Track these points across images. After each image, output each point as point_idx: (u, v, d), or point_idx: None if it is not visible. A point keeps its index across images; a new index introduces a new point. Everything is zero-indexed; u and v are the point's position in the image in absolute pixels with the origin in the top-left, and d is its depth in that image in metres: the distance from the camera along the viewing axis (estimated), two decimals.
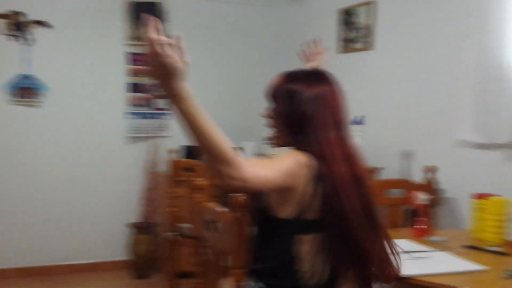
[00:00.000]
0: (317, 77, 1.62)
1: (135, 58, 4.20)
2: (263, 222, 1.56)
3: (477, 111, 2.65)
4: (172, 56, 1.19)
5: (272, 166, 1.42)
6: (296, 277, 1.50)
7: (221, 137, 1.31)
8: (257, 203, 1.58)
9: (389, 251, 1.58)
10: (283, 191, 1.47)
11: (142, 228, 4.08)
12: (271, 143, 1.66)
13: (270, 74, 5.00)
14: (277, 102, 1.61)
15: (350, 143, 1.59)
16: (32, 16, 3.92)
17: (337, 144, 1.54)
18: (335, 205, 1.48)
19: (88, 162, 4.13)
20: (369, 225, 1.53)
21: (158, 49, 1.17)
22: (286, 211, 1.50)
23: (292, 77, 1.61)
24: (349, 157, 1.55)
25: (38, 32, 3.94)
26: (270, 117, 1.63)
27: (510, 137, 2.47)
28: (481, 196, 2.34)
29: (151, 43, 1.16)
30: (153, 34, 1.16)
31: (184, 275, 3.76)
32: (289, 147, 1.59)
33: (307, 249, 1.49)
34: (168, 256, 3.39)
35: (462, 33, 2.79)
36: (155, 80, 1.22)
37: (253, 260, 1.60)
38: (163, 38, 1.18)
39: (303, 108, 1.55)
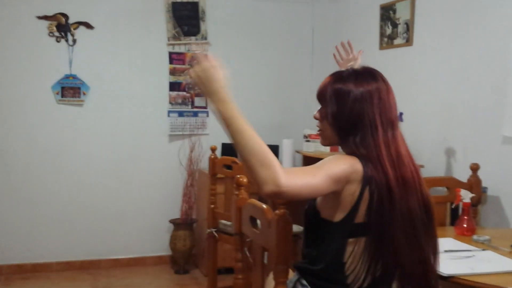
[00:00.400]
0: (365, 75, 1.59)
1: (177, 58, 4.26)
2: (313, 223, 1.56)
3: None
4: (215, 63, 1.23)
5: (315, 173, 1.41)
6: (342, 280, 1.50)
7: (261, 142, 1.33)
8: (309, 205, 1.59)
9: (431, 255, 1.55)
10: (331, 195, 1.47)
11: (182, 224, 4.14)
12: (321, 144, 1.67)
13: (309, 72, 5.05)
14: (325, 103, 1.60)
15: (399, 143, 1.55)
16: (74, 17, 4.03)
17: (384, 145, 1.50)
18: (378, 210, 1.46)
19: (131, 160, 4.22)
20: (415, 230, 1.50)
21: (202, 59, 1.28)
22: (335, 214, 1.50)
23: (340, 77, 1.60)
24: (397, 158, 1.51)
25: (80, 33, 4.05)
26: (319, 118, 1.63)
27: None
28: None
29: (197, 55, 1.29)
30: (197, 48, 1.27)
31: (222, 271, 3.81)
32: (339, 148, 1.60)
33: (354, 252, 1.48)
34: (208, 252, 3.43)
35: (508, 27, 2.71)
36: (199, 85, 1.26)
37: (301, 257, 1.61)
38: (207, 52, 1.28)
39: (350, 108, 1.53)
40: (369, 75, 1.60)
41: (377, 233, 1.47)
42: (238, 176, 1.79)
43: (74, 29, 4.02)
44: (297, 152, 4.20)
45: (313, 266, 1.55)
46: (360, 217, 1.47)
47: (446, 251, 1.93)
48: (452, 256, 1.89)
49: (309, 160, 4.13)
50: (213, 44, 4.33)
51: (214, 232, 3.29)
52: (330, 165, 1.44)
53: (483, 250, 1.98)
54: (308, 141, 4.17)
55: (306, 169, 1.44)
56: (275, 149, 4.25)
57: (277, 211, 1.43)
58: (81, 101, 4.08)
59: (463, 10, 3.12)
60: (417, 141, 3.42)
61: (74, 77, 4.05)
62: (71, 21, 4.02)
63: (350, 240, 1.48)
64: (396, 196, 1.47)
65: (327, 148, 4.04)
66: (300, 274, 1.58)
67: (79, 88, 4.07)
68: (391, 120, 1.55)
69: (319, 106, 1.65)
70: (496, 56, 2.87)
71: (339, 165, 1.45)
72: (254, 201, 1.64)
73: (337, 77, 1.61)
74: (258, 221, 1.62)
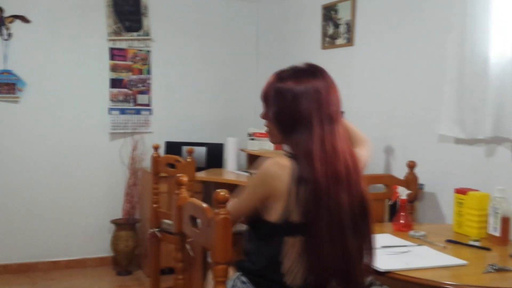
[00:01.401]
0: (304, 73, 1.61)
1: (118, 54, 4.16)
2: (254, 222, 1.58)
3: (459, 106, 2.67)
4: None
5: (240, 198, 1.56)
6: (279, 279, 1.51)
7: None
8: None
9: (359, 252, 1.57)
10: (263, 200, 1.53)
11: (124, 224, 4.05)
12: (270, 142, 1.73)
13: (254, 70, 5.07)
14: (267, 103, 1.62)
15: (336, 138, 1.55)
16: (10, 11, 3.86)
17: (319, 141, 1.52)
18: (311, 208, 1.48)
19: (70, 159, 4.09)
20: (342, 226, 1.52)
21: None
22: (272, 215, 1.52)
23: (280, 76, 1.62)
24: (332, 153, 1.52)
25: (16, 27, 3.88)
26: (264, 118, 1.65)
27: (491, 133, 2.49)
28: (460, 191, 2.37)
29: None
30: None
31: (166, 271, 3.76)
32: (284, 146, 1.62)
33: (290, 252, 1.49)
34: (151, 252, 3.37)
35: (444, 28, 2.81)
36: None
37: (242, 255, 1.61)
38: None
39: (289, 106, 1.55)
40: (309, 72, 1.62)
41: (310, 232, 1.49)
42: (179, 175, 1.76)
43: (9, 22, 3.85)
44: (242, 150, 4.20)
45: (252, 264, 1.55)
46: (295, 216, 1.49)
47: (383, 246, 1.98)
48: (389, 251, 1.94)
49: (253, 158, 4.14)
50: (156, 41, 4.26)
51: (156, 232, 3.24)
52: (251, 183, 1.58)
53: (419, 245, 2.04)
54: (252, 139, 4.18)
55: (236, 198, 1.58)
56: (219, 147, 4.23)
57: (217, 210, 1.42)
58: (17, 98, 3.91)
59: (402, 11, 3.21)
60: None
61: (9, 72, 3.88)
62: (6, 14, 3.85)
63: (287, 239, 1.50)
64: (323, 192, 1.48)
65: (271, 146, 4.06)
66: (240, 271, 1.58)
67: (14, 84, 3.90)
68: (330, 116, 1.56)
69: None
70: (433, 56, 2.97)
71: (250, 198, 1.57)
72: (195, 200, 1.62)
73: (278, 76, 1.63)
74: (199, 220, 1.60)
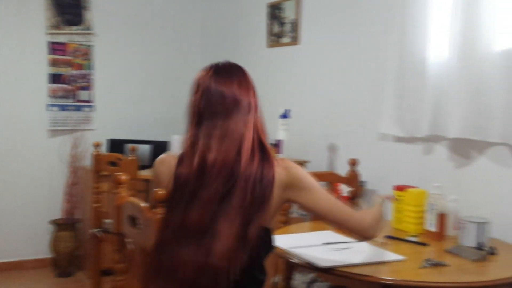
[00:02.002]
0: (206, 67, 1.63)
1: (57, 48, 4.02)
2: None
3: (398, 105, 2.74)
4: None
5: None
6: None
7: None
8: None
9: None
10: None
11: (64, 225, 3.93)
12: None
13: (199, 67, 5.00)
14: None
15: (215, 135, 1.51)
16: None
17: (194, 138, 1.53)
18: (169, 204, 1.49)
19: (7, 157, 3.92)
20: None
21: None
22: None
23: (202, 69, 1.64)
24: (192, 154, 1.51)
25: None
26: None
27: (428, 131, 2.57)
28: (399, 188, 2.43)
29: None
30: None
31: (108, 272, 3.66)
32: None
33: None
34: (92, 253, 3.28)
35: (386, 29, 2.87)
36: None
37: None
38: None
39: (190, 100, 1.60)
40: (208, 67, 1.63)
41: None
42: (118, 173, 1.71)
43: None
44: None
45: None
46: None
47: (324, 243, 2.00)
48: (330, 248, 1.96)
49: None
50: (98, 35, 4.14)
51: (97, 232, 3.15)
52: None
53: (359, 241, 2.07)
54: None
55: None
56: (164, 145, 4.17)
57: (155, 210, 1.39)
58: None
59: (345, 11, 3.26)
60: (303, 137, 3.54)
61: None
62: None
63: None
64: (190, 187, 1.47)
65: None
66: None
67: None
68: (213, 112, 1.53)
69: None
70: (374, 56, 3.03)
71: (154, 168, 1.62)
72: (133, 199, 1.58)
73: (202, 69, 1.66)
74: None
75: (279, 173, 1.55)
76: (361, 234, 1.67)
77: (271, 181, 1.51)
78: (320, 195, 1.62)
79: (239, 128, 1.52)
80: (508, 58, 2.24)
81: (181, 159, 1.54)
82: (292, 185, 1.58)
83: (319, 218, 1.67)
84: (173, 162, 1.55)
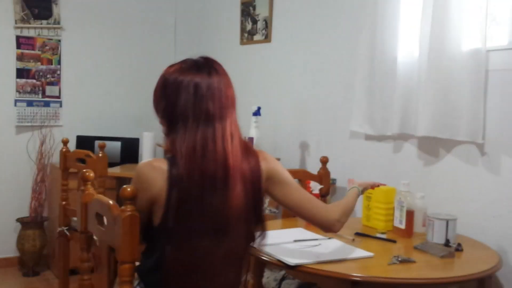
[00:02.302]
0: (193, 65, 1.52)
1: (25, 42, 3.93)
2: (144, 227, 1.48)
3: (369, 104, 2.76)
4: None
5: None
6: (160, 283, 1.48)
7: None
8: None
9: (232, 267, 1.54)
10: (147, 205, 1.47)
11: (31, 223, 3.84)
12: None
13: (170, 62, 4.92)
14: (155, 94, 1.55)
15: (209, 138, 1.45)
16: None
17: (192, 142, 1.43)
18: (176, 213, 1.43)
19: None
20: (214, 236, 1.47)
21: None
22: (155, 219, 1.47)
23: (170, 66, 1.54)
24: (202, 154, 1.43)
25: None
26: (155, 111, 1.57)
27: (398, 129, 2.60)
28: None
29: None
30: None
31: (76, 271, 3.60)
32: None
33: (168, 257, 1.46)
34: (60, 252, 3.22)
35: (357, 28, 2.89)
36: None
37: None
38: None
39: (170, 99, 1.48)
40: (196, 65, 1.52)
41: (173, 238, 1.46)
42: (85, 170, 1.68)
43: None
44: (158, 145, 4.11)
45: (141, 266, 1.54)
46: (171, 221, 1.45)
47: (295, 240, 2.01)
48: (301, 245, 1.97)
49: None
50: (67, 30, 4.06)
51: (65, 231, 3.09)
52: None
53: (329, 238, 2.08)
54: None
55: None
56: (135, 142, 4.12)
57: (123, 207, 1.36)
58: None
59: (317, 10, 3.27)
60: (275, 135, 3.54)
61: None
62: None
63: (166, 245, 1.46)
64: (191, 195, 1.43)
65: None
66: (139, 278, 1.55)
67: None
68: (207, 114, 1.46)
69: None
70: (346, 55, 3.05)
71: (137, 175, 1.48)
72: (101, 197, 1.54)
73: (168, 67, 1.55)
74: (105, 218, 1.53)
75: (262, 164, 1.58)
76: (328, 227, 1.73)
77: (260, 173, 1.56)
78: (293, 189, 1.66)
79: (234, 126, 1.52)
80: (475, 58, 2.28)
81: (176, 163, 1.43)
82: (271, 177, 1.61)
83: (291, 211, 1.72)
84: (164, 167, 1.44)
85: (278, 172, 1.63)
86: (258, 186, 1.57)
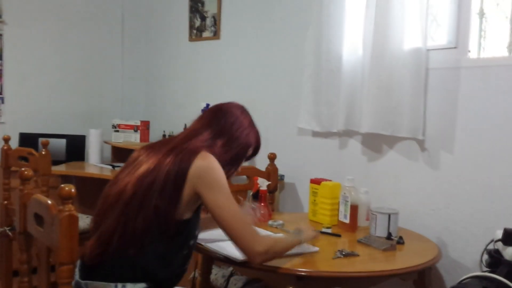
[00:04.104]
0: None
1: None
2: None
3: (316, 101, 2.80)
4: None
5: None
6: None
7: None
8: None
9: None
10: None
11: None
12: None
13: (119, 59, 4.84)
14: None
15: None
16: None
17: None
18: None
19: None
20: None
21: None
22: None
23: None
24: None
25: None
26: None
27: (343, 126, 2.65)
28: (315, 181, 2.49)
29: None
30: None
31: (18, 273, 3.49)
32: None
33: None
34: (2, 253, 3.11)
35: (304, 26, 2.92)
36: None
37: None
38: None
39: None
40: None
41: None
42: (23, 169, 1.62)
43: None
44: (106, 142, 4.03)
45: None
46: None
47: None
48: None
49: (118, 151, 3.99)
50: (9, 24, 3.91)
51: (7, 231, 2.99)
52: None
53: (277, 234, 2.10)
54: (117, 131, 4.02)
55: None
56: (81, 139, 4.02)
57: (61, 207, 1.33)
58: None
59: (265, 7, 3.29)
60: None
61: None
62: None
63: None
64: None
65: (137, 139, 3.96)
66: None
67: None
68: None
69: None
70: (293, 52, 3.08)
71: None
72: (39, 196, 1.50)
73: None
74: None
75: (196, 162, 1.59)
76: (248, 255, 1.66)
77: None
78: (224, 197, 1.61)
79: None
80: (416, 57, 2.35)
81: None
82: (202, 176, 1.59)
83: (216, 222, 1.64)
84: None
85: (212, 174, 1.60)
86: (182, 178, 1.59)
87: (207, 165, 1.60)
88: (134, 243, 1.53)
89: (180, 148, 1.63)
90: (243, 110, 1.91)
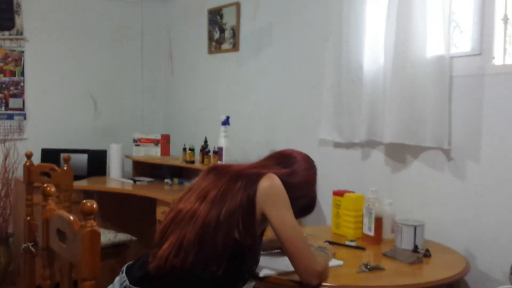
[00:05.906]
0: None
1: None
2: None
3: (337, 112, 2.77)
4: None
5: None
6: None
7: None
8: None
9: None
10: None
11: None
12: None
13: (139, 74, 4.88)
14: None
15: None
16: None
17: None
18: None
19: None
20: None
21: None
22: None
23: None
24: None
25: None
26: None
27: (365, 137, 2.61)
28: (338, 193, 2.45)
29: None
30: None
31: None
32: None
33: None
34: (25, 269, 3.12)
35: (324, 37, 2.90)
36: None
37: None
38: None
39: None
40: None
41: None
42: (46, 185, 1.62)
43: None
44: (127, 157, 4.05)
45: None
46: None
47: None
48: (271, 254, 1.95)
49: (139, 165, 4.01)
50: (30, 41, 3.97)
51: (30, 247, 2.99)
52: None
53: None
54: (138, 145, 4.04)
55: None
56: (102, 154, 4.04)
57: (83, 222, 1.32)
58: None
59: (285, 18, 3.28)
60: (244, 143, 3.52)
61: None
62: None
63: None
64: None
65: (158, 152, 3.96)
66: None
67: None
68: None
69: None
70: (314, 63, 3.06)
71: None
72: (62, 212, 1.49)
73: None
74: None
75: (262, 184, 1.63)
76: (308, 275, 1.64)
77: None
78: (288, 216, 1.63)
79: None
80: (440, 65, 2.31)
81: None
82: (267, 194, 1.62)
83: (280, 240, 1.65)
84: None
85: (277, 190, 1.64)
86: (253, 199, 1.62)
87: (271, 184, 1.63)
88: (213, 261, 1.57)
89: (246, 172, 1.69)
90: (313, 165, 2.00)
